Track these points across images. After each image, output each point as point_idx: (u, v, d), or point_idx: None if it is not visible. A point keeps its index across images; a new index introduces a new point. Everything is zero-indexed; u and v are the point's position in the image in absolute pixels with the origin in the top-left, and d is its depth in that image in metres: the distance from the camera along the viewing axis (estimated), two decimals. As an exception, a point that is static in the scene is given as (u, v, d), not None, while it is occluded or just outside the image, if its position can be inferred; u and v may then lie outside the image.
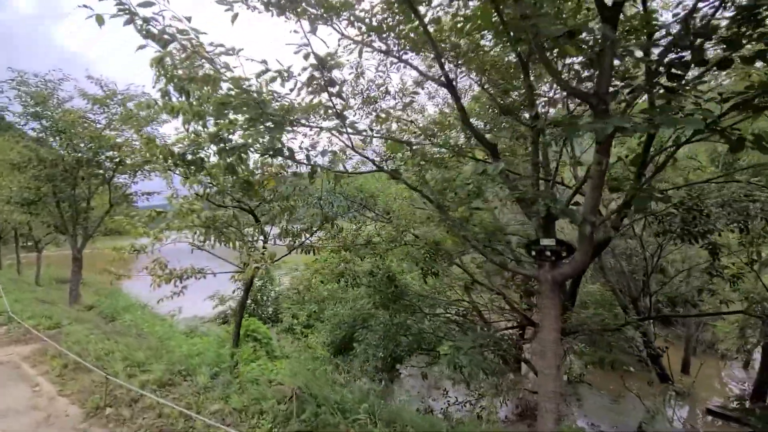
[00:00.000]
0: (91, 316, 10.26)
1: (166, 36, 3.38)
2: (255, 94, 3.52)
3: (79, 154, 10.40)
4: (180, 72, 4.38)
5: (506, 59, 5.52)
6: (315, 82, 3.76)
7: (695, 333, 12.85)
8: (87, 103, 11.15)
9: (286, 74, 3.54)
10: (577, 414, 9.18)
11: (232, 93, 3.75)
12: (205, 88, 5.04)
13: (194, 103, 5.44)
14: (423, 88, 7.46)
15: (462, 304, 8.70)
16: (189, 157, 4.41)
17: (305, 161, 3.96)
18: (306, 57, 3.59)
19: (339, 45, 4.98)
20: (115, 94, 11.17)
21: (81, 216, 11.46)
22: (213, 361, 6.73)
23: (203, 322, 16.28)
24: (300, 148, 4.04)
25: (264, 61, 3.46)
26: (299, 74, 3.79)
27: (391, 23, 4.64)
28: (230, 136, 4.52)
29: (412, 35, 4.75)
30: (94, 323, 9.32)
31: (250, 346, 8.40)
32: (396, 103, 6.50)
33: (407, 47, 5.05)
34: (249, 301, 16.00)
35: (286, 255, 6.63)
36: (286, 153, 3.72)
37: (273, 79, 3.56)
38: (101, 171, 11.34)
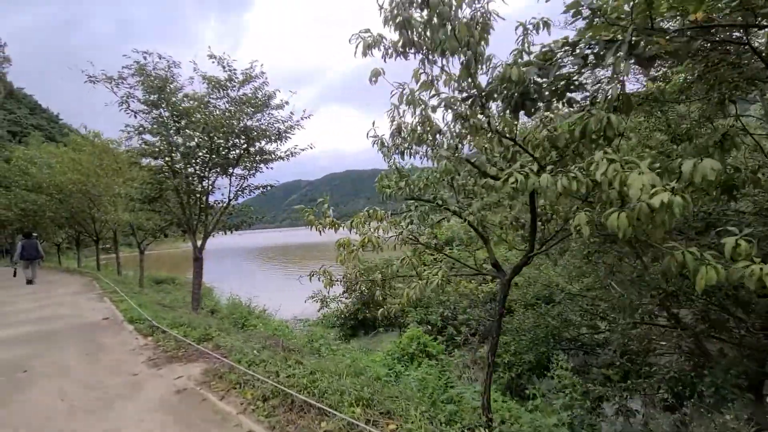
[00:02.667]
0: (227, 325, 9.13)
1: None
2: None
3: (214, 142, 9.31)
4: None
5: None
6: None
7: None
8: (206, 86, 10.13)
9: None
10: None
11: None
12: None
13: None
14: None
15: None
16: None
17: None
18: None
19: None
20: (235, 75, 10.04)
21: (204, 212, 10.49)
22: (432, 389, 5.10)
23: (307, 324, 15.11)
24: None
25: None
26: None
27: None
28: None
29: None
30: (237, 332, 8.12)
31: (431, 366, 6.72)
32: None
33: None
34: (358, 306, 14.55)
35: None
36: None
37: None
38: (221, 160, 10.23)
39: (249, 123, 9.69)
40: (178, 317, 8.74)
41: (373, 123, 4.86)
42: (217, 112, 9.95)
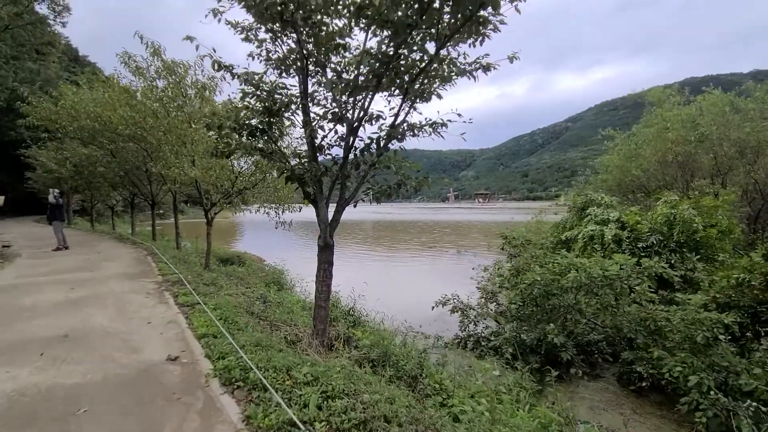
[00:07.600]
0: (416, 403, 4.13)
1: None
2: None
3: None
4: None
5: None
6: None
7: None
8: None
9: None
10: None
11: None
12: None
13: None
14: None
15: None
16: None
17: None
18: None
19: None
20: None
21: (362, 155, 5.45)
22: None
23: (443, 344, 9.91)
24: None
25: None
26: None
27: None
28: None
29: None
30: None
31: None
32: None
33: None
34: (562, 339, 8.97)
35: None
36: None
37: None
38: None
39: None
40: (324, 377, 3.82)
41: None
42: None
